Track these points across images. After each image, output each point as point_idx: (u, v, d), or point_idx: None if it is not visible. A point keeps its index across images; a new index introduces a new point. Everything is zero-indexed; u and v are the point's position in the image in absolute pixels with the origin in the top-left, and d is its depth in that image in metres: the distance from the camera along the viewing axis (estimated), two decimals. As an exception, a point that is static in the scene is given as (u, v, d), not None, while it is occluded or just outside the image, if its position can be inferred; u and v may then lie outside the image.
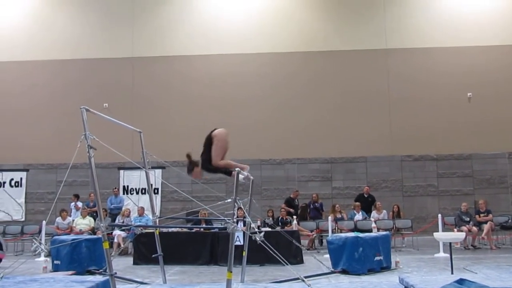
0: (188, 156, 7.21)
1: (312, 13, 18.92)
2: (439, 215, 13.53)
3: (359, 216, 15.29)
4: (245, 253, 8.60)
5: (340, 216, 15.33)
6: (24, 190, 18.54)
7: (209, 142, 7.12)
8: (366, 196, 16.39)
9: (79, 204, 16.17)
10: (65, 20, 19.21)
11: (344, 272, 9.61)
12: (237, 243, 9.55)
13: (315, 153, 18.09)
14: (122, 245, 14.08)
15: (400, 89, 18.23)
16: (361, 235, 10.17)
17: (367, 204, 16.02)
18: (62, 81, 18.76)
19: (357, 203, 15.68)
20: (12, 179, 18.58)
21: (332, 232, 13.20)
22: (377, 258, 9.88)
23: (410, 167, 18.13)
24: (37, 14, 19.34)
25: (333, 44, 18.52)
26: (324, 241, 14.27)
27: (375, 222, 14.31)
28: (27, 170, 18.60)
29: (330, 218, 13.88)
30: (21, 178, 18.58)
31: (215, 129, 7.25)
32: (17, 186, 18.55)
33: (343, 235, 10.82)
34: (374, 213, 15.31)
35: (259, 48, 18.58)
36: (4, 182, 18.55)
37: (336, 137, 17.99)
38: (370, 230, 13.28)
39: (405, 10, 18.75)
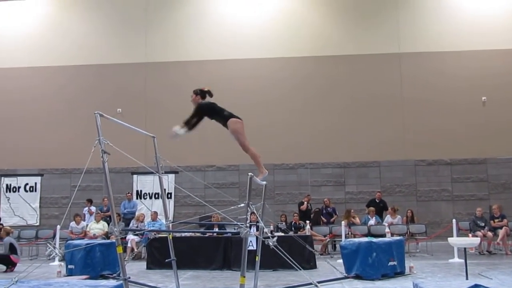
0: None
1: (324, 18, 18.91)
2: (454, 220, 13.42)
3: (372, 221, 15.20)
4: (258, 258, 8.57)
5: (352, 221, 15.25)
6: (39, 195, 18.68)
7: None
8: (377, 201, 16.31)
9: (93, 208, 16.25)
10: (79, 26, 19.37)
11: (358, 277, 9.56)
12: (250, 247, 9.53)
13: (328, 158, 18.03)
14: (135, 250, 14.12)
15: (413, 93, 18.13)
16: (374, 240, 10.12)
17: (378, 209, 15.93)
18: (77, 87, 18.91)
19: (371, 208, 15.59)
20: (27, 184, 18.73)
21: (345, 237, 13.14)
22: (391, 263, 9.81)
23: (423, 171, 18.01)
24: (51, 21, 19.54)
25: (346, 49, 18.48)
26: (337, 246, 14.21)
27: (388, 227, 14.22)
28: (41, 175, 18.75)
29: (343, 223, 13.81)
30: (35, 183, 18.72)
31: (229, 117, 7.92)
32: (32, 191, 18.70)
33: (356, 240, 10.77)
34: (388, 218, 15.19)
35: (272, 53, 18.59)
36: (19, 187, 18.71)
37: (349, 142, 17.93)
38: (383, 235, 13.20)
39: (418, 14, 18.68)
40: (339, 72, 18.43)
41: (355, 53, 18.44)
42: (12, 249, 12.76)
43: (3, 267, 12.61)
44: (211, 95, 7.70)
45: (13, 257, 12.62)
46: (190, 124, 7.52)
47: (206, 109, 7.50)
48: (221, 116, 7.72)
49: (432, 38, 18.43)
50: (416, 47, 18.41)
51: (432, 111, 17.98)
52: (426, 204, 17.73)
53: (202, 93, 7.71)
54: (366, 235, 13.47)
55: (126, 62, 18.88)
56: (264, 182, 7.48)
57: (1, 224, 16.21)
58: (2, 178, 18.75)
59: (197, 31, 19.04)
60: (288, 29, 18.78)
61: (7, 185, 18.70)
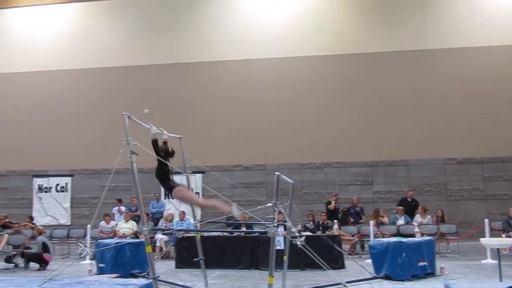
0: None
1: (348, 16, 18.77)
2: (486, 220, 13.18)
3: (401, 220, 15.02)
4: (286, 258, 8.56)
5: (381, 221, 15.10)
6: (70, 195, 18.99)
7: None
8: (409, 200, 16.08)
9: (123, 208, 16.44)
10: (106, 29, 19.65)
11: (387, 277, 9.47)
12: (278, 247, 9.51)
13: (355, 157, 17.89)
14: (164, 249, 14.23)
15: (441, 89, 17.86)
16: (404, 240, 10.01)
17: (410, 208, 15.68)
18: (104, 89, 19.17)
19: (400, 207, 15.38)
20: (58, 184, 19.05)
21: (374, 237, 13.02)
22: (421, 263, 9.69)
23: (453, 170, 17.71)
24: (79, 25, 19.88)
25: (370, 46, 18.31)
26: (366, 246, 14.09)
27: (418, 227, 14.04)
28: (72, 176, 19.05)
29: (371, 222, 13.69)
30: (66, 184, 19.03)
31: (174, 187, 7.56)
32: (63, 191, 19.02)
33: (385, 240, 10.67)
34: (417, 218, 14.99)
35: (295, 52, 18.54)
36: (51, 187, 19.04)
37: (376, 140, 17.75)
38: (413, 235, 13.04)
39: (446, 9, 18.37)
40: (364, 69, 18.27)
41: (380, 51, 18.25)
42: (45, 248, 13.00)
43: (37, 265, 12.87)
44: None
45: (45, 255, 12.87)
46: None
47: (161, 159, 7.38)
48: (166, 183, 7.48)
49: (461, 33, 18.11)
50: (444, 43, 18.12)
51: (461, 108, 17.69)
52: (456, 203, 17.43)
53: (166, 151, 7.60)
54: (395, 235, 13.32)
55: (152, 63, 19.07)
56: (292, 181, 7.41)
57: (34, 224, 16.54)
58: (34, 179, 19.11)
59: (221, 31, 19.12)
60: (311, 27, 18.71)
61: (39, 185, 19.05)
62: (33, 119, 19.17)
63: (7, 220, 16.15)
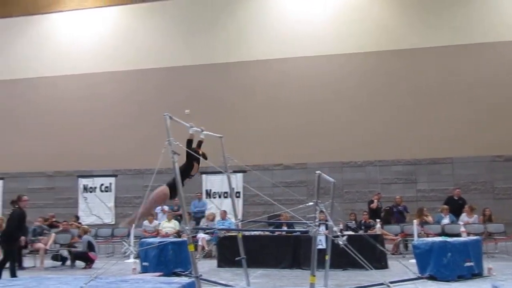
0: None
1: (388, 12, 18.44)
2: (535, 219, 12.77)
3: (446, 219, 14.71)
4: (327, 257, 8.51)
5: (425, 220, 14.82)
6: (113, 194, 19.34)
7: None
8: (456, 198, 15.72)
9: (166, 207, 16.65)
10: (146, 31, 19.92)
11: (432, 278, 9.30)
12: (320, 246, 9.46)
13: (398, 155, 17.60)
14: (206, 248, 14.36)
15: (487, 85, 17.34)
16: (449, 239, 9.81)
17: (456, 207, 15.29)
18: (147, 90, 19.42)
19: (445, 206, 15.06)
20: (102, 184, 19.44)
21: (418, 236, 12.81)
22: (467, 264, 9.47)
23: (501, 168, 17.16)
24: (120, 27, 20.21)
25: (412, 42, 17.92)
26: (410, 245, 13.87)
27: (464, 226, 13.73)
28: (115, 176, 19.40)
29: (415, 222, 13.46)
30: (110, 183, 19.39)
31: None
32: (107, 191, 19.39)
33: (429, 239, 10.48)
34: (463, 217, 14.64)
35: (336, 49, 18.36)
36: (95, 187, 19.44)
37: (419, 138, 17.39)
38: (458, 235, 12.77)
39: (488, 3, 17.82)
40: (406, 66, 17.93)
41: (421, 46, 17.86)
42: (90, 246, 13.32)
43: (82, 264, 13.19)
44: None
45: (91, 254, 13.18)
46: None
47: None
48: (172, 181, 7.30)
49: (505, 26, 17.51)
50: (490, 36, 17.58)
51: (509, 104, 17.14)
52: (504, 202, 16.89)
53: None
54: (439, 235, 13.07)
55: (192, 64, 19.22)
56: (333, 180, 7.34)
57: (80, 223, 16.94)
58: (80, 179, 19.55)
59: (261, 30, 19.10)
60: (350, 24, 18.46)
61: (84, 185, 19.48)
62: (78, 122, 19.58)
63: (54, 219, 16.60)
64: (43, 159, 19.50)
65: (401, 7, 18.41)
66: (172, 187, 7.23)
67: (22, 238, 10.36)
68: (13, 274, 10.05)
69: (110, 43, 20.09)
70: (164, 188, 7.35)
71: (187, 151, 7.34)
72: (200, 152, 7.69)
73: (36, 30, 20.86)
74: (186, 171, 7.33)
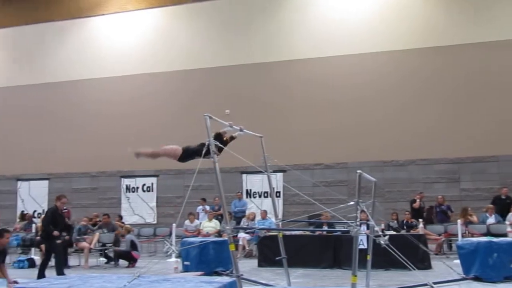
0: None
1: (429, 8, 18.09)
2: None
3: (492, 219, 14.36)
4: (369, 257, 8.43)
5: (469, 220, 14.52)
6: (155, 194, 19.61)
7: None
8: (503, 198, 15.31)
9: (207, 207, 16.80)
10: (186, 33, 20.12)
11: (477, 279, 9.11)
12: (361, 246, 9.39)
13: (440, 153, 17.24)
14: (247, 248, 14.43)
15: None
16: (495, 239, 9.58)
17: (504, 206, 14.88)
18: (187, 91, 19.60)
19: (490, 206, 14.70)
20: (144, 184, 19.74)
21: (462, 236, 12.56)
22: (515, 265, 9.23)
23: (550, 166, 16.63)
24: (160, 29, 20.47)
25: (453, 38, 17.54)
26: (454, 245, 13.61)
27: (510, 226, 13.38)
28: (157, 176, 19.67)
29: (459, 221, 13.20)
30: (152, 184, 19.68)
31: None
32: (149, 191, 19.68)
33: (474, 239, 10.27)
34: (510, 216, 14.24)
35: (376, 47, 18.12)
36: (137, 187, 19.77)
37: (463, 136, 16.99)
38: (505, 235, 12.46)
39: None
40: (447, 63, 17.54)
41: (464, 43, 17.43)
42: (133, 246, 13.55)
43: (126, 263, 13.44)
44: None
45: (134, 253, 13.41)
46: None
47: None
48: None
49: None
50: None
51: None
52: (552, 201, 16.37)
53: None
54: (485, 235, 12.78)
55: (232, 64, 19.30)
56: (374, 179, 7.25)
57: (123, 223, 17.26)
58: (122, 179, 19.91)
59: (300, 29, 19.03)
60: (392, 21, 18.19)
61: (126, 185, 19.83)
62: (120, 123, 19.91)
63: (98, 219, 16.96)
64: (87, 160, 19.93)
65: (443, 2, 18.06)
66: (186, 153, 7.27)
67: (55, 232, 10.55)
68: (59, 271, 10.34)
69: (151, 45, 20.38)
70: (178, 149, 7.40)
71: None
72: (225, 138, 7.59)
73: (79, 33, 21.36)
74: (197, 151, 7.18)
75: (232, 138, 7.82)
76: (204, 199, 17.19)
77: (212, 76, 19.49)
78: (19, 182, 20.94)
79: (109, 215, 15.80)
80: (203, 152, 6.68)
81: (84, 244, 13.88)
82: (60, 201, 10.90)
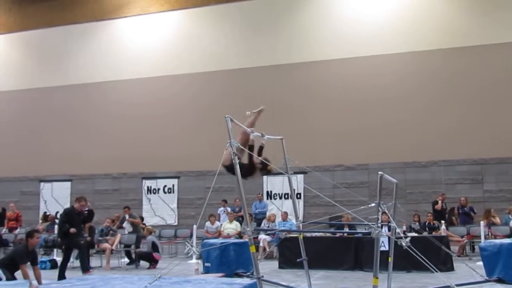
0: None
1: (452, 8, 17.90)
2: None
3: (515, 221, 14.17)
4: (390, 259, 8.37)
5: (492, 221, 14.34)
6: (176, 196, 19.70)
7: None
8: (527, 199, 15.12)
9: (228, 209, 16.84)
10: (209, 35, 20.16)
11: (500, 281, 9.00)
12: (382, 248, 9.32)
13: (463, 154, 17.04)
14: (267, 249, 14.42)
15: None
16: (518, 241, 9.45)
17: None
18: (209, 92, 19.65)
19: (512, 207, 14.52)
20: (165, 186, 19.85)
21: (485, 238, 12.41)
22: (538, 267, 9.09)
23: None
24: (183, 31, 20.55)
25: (476, 39, 17.32)
26: (476, 247, 13.45)
27: (534, 227, 13.20)
28: (178, 177, 19.77)
29: (482, 223, 13.05)
30: (173, 185, 19.78)
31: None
32: (170, 192, 19.78)
33: (497, 241, 10.15)
34: (533, 218, 14.07)
35: (399, 48, 17.98)
36: (159, 189, 19.88)
37: (486, 137, 16.77)
38: (529, 237, 12.28)
39: None
40: (471, 63, 17.32)
41: (487, 43, 17.23)
42: (154, 247, 13.64)
43: (147, 264, 13.53)
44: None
45: (155, 254, 13.49)
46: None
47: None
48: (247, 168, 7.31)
49: None
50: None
51: None
52: None
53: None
54: (508, 236, 12.63)
55: (254, 65, 19.30)
56: (395, 181, 7.22)
57: (144, 224, 17.38)
58: (144, 180, 20.05)
59: (321, 31, 18.98)
60: (414, 22, 18.03)
61: (148, 187, 19.96)
62: (142, 125, 20.04)
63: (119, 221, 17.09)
64: (109, 161, 20.11)
65: (467, 3, 17.83)
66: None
67: (72, 230, 10.64)
68: (83, 266, 10.51)
69: (174, 47, 20.47)
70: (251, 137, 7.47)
71: (249, 156, 7.37)
72: (260, 159, 7.60)
73: (103, 35, 21.56)
74: (246, 171, 7.30)
75: (261, 148, 7.84)
76: (225, 201, 17.24)
77: (234, 78, 19.51)
78: (42, 184, 21.21)
79: (129, 207, 15.90)
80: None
81: (106, 245, 14.02)
82: (79, 203, 11.03)
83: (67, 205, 19.89)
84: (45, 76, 21.89)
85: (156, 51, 20.61)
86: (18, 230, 17.72)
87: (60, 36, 21.99)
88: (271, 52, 19.22)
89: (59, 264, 11.16)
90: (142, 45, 20.85)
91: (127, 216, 15.39)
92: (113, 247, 14.11)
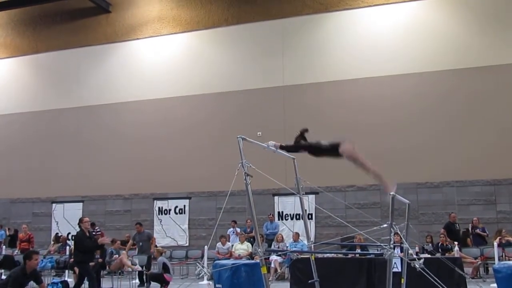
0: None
1: (462, 28, 17.89)
2: None
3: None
4: (403, 281, 8.27)
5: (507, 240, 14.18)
6: (187, 216, 19.68)
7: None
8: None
9: (238, 229, 16.79)
10: (220, 56, 20.26)
11: (515, 303, 8.84)
12: (395, 270, 9.22)
13: (476, 175, 16.91)
14: (279, 270, 14.33)
15: None
16: (533, 263, 9.31)
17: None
18: (220, 113, 19.70)
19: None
20: (176, 207, 19.85)
21: (499, 260, 12.24)
22: (554, 289, 8.94)
23: None
24: (194, 52, 20.66)
25: (489, 59, 17.29)
26: (490, 269, 13.27)
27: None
28: (189, 198, 19.76)
29: (495, 243, 12.89)
30: (184, 206, 19.77)
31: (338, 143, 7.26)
32: (181, 213, 19.77)
33: (511, 262, 10.00)
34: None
35: (412, 68, 17.94)
36: (170, 210, 19.88)
37: (499, 157, 16.62)
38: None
39: None
40: (484, 84, 17.23)
41: (501, 63, 17.18)
42: (165, 268, 13.59)
43: (158, 285, 13.47)
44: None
45: (166, 275, 13.43)
46: (288, 150, 7.45)
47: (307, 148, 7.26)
48: (325, 149, 7.28)
49: None
50: None
51: None
52: None
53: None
54: (523, 258, 12.44)
55: (265, 86, 19.37)
56: (408, 201, 7.19)
57: (155, 245, 17.35)
58: (155, 201, 20.07)
59: (332, 51, 19.02)
60: (425, 41, 18.04)
61: (159, 208, 19.97)
62: (153, 145, 20.06)
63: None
64: (120, 182, 20.17)
65: (477, 23, 17.82)
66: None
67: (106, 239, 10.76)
68: None
69: (185, 68, 20.57)
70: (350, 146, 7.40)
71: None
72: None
73: (115, 57, 21.73)
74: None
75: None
76: (235, 221, 17.20)
77: (245, 99, 19.55)
78: (54, 205, 21.31)
79: (141, 224, 15.84)
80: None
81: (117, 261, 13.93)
82: (82, 223, 11.09)
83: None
84: (57, 98, 22.10)
85: (167, 73, 20.75)
86: (30, 251, 17.74)
87: (73, 59, 22.23)
88: (281, 73, 19.29)
89: (70, 285, 11.16)
90: (154, 67, 21.01)
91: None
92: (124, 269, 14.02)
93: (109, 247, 15.04)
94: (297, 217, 18.09)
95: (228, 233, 17.01)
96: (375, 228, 6.89)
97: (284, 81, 19.20)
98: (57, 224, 21.05)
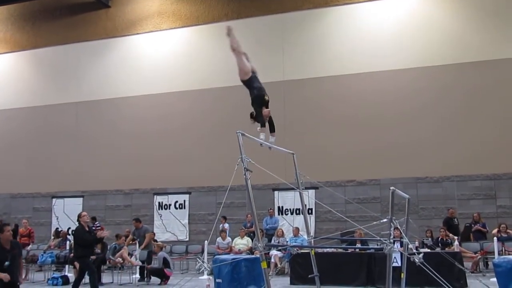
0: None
1: (462, 23, 17.85)
2: None
3: (529, 236, 14.01)
4: (403, 275, 8.30)
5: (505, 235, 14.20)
6: (187, 211, 19.69)
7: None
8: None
9: (226, 225, 16.79)
10: (220, 51, 19.75)
11: (515, 297, 8.86)
12: (395, 264, 9.24)
13: (476, 170, 16.89)
14: (279, 265, 14.35)
15: None
16: (533, 257, 9.33)
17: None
18: (219, 108, 19.63)
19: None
20: (176, 202, 19.85)
21: (499, 254, 12.26)
22: (554, 283, 8.96)
23: None
24: (195, 47, 20.58)
25: (490, 54, 17.26)
26: (490, 263, 13.30)
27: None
28: (189, 193, 19.76)
29: (495, 239, 12.91)
30: (184, 201, 19.76)
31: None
32: (181, 208, 19.78)
33: (511, 257, 10.01)
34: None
35: (411, 63, 17.90)
36: (170, 205, 19.89)
37: (499, 152, 16.61)
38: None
39: None
40: (484, 79, 17.19)
41: (500, 58, 17.15)
42: (166, 263, 13.61)
43: (158, 280, 13.49)
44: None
45: (166, 270, 13.47)
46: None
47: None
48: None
49: None
50: None
51: None
52: None
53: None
54: (523, 252, 12.46)
55: (265, 81, 19.18)
56: (407, 196, 7.18)
57: (155, 240, 17.37)
58: (155, 196, 20.07)
59: (332, 46, 18.97)
60: (423, 36, 17.99)
61: (159, 203, 19.97)
62: (154, 140, 20.04)
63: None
64: (121, 177, 20.17)
65: (477, 17, 17.76)
66: (249, 83, 8.17)
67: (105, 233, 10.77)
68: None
69: (185, 62, 20.50)
70: (249, 71, 8.18)
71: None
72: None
73: (114, 52, 21.66)
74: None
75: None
76: (224, 217, 17.13)
77: (245, 94, 19.44)
78: (54, 200, 21.32)
79: (139, 219, 15.73)
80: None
81: (119, 259, 13.91)
82: (81, 218, 11.09)
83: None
84: (57, 93, 22.07)
85: (167, 67, 20.71)
86: (30, 246, 17.78)
87: (72, 53, 22.17)
88: (281, 68, 19.25)
89: (70, 280, 11.17)
90: (153, 62, 20.96)
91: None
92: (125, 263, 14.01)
93: (112, 242, 15.05)
94: (297, 212, 18.10)
95: (225, 226, 16.92)
96: (375, 222, 6.90)
97: (284, 76, 19.15)
98: (57, 219, 21.07)
